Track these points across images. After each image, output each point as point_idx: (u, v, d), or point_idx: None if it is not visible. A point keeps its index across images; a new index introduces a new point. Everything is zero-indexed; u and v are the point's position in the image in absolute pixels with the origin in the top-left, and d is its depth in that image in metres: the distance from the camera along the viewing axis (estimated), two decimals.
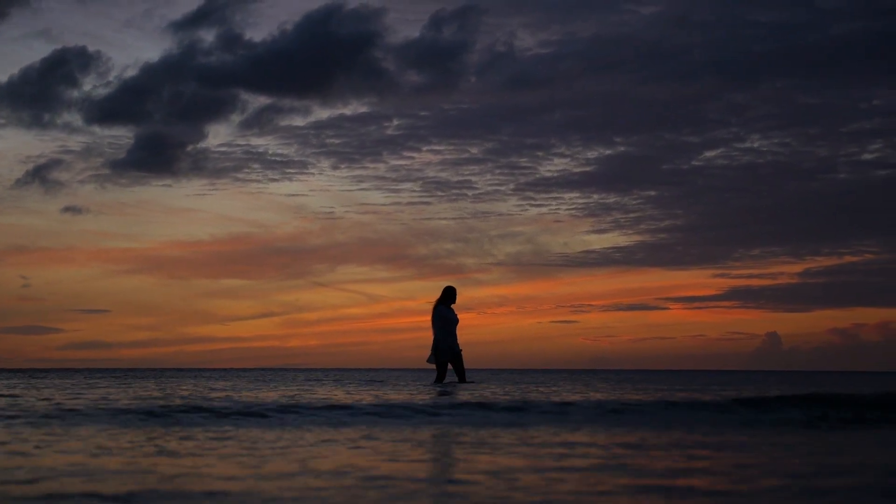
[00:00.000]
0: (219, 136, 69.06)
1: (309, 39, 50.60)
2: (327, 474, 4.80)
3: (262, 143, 63.49)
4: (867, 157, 58.91)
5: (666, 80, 58.95)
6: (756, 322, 68.06)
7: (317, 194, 63.86)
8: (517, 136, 61.64)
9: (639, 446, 6.27)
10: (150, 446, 6.00)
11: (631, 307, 68.01)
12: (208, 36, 60.03)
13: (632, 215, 62.02)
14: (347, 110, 62.04)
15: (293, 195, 64.44)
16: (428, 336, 17.57)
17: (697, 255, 66.19)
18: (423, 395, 12.46)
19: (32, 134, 62.75)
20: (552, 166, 61.16)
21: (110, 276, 69.67)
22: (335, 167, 61.06)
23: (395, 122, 59.99)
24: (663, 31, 57.53)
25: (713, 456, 5.76)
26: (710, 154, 59.56)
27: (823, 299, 66.14)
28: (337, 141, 59.93)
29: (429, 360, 17.47)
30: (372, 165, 61.04)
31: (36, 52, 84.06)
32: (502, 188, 61.52)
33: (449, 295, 17.55)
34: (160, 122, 55.75)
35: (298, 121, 66.03)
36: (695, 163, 60.29)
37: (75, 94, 54.09)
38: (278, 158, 59.77)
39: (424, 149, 60.65)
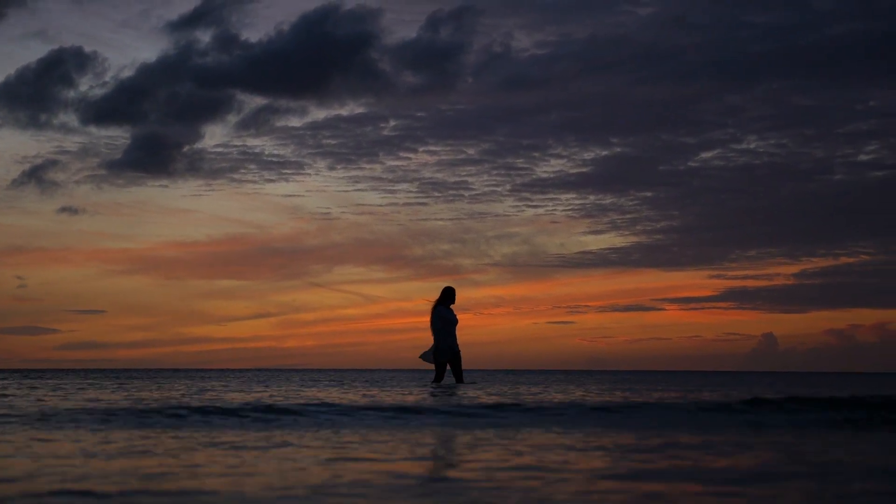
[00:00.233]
0: (215, 136, 69.28)
1: (305, 40, 50.69)
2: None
3: (258, 143, 63.56)
4: (863, 158, 59.07)
5: (662, 81, 59.12)
6: (752, 323, 68.15)
7: (313, 195, 63.96)
8: (513, 137, 61.76)
9: (631, 448, 6.31)
10: (140, 447, 6.04)
11: (627, 308, 68.10)
12: (205, 36, 60.18)
13: (628, 216, 62.17)
14: (344, 111, 62.18)
15: (289, 196, 64.55)
16: (426, 336, 17.59)
17: (694, 256, 66.30)
18: (419, 396, 12.49)
19: (29, 134, 62.83)
20: (548, 167, 61.28)
21: (107, 277, 69.73)
22: (331, 168, 61.20)
23: (392, 123, 60.10)
24: (659, 32, 57.65)
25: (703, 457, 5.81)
26: (706, 155, 59.70)
27: (819, 300, 66.25)
28: (333, 141, 60.03)
29: (421, 357, 17.47)
30: (368, 166, 61.15)
31: (32, 53, 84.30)
32: (499, 189, 61.60)
33: (448, 295, 17.56)
34: (156, 122, 55.84)
35: (295, 121, 66.21)
36: (691, 164, 60.43)
37: (72, 94, 54.19)
38: (274, 159, 59.86)
39: (421, 149, 60.76)
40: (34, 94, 53.31)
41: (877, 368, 75.93)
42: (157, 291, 70.65)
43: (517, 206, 62.35)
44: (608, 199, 62.02)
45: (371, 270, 71.15)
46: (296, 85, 54.93)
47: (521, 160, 61.18)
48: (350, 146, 60.40)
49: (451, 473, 4.95)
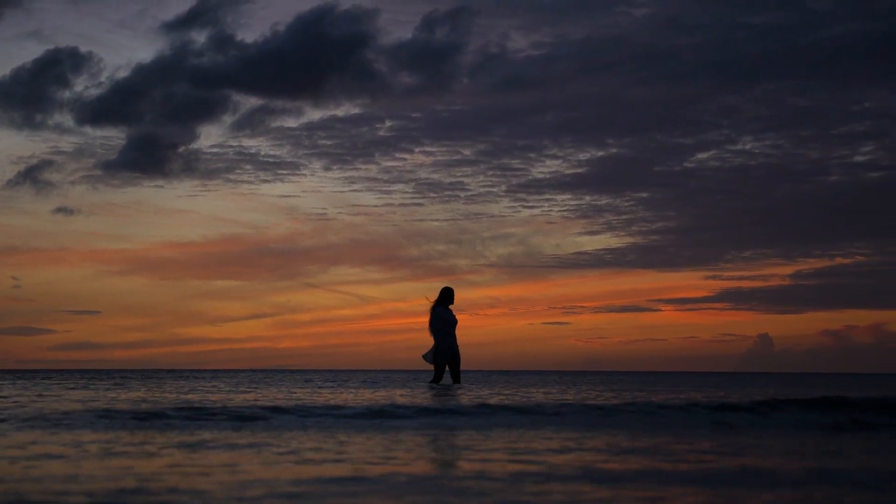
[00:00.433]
0: (211, 137, 69.29)
1: (301, 40, 50.67)
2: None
3: (254, 144, 63.54)
4: (859, 159, 59.12)
5: (658, 82, 59.14)
6: (748, 324, 68.20)
7: (309, 195, 63.98)
8: (509, 138, 61.76)
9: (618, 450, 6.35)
10: (133, 448, 6.07)
11: (623, 309, 68.12)
12: (200, 37, 60.04)
13: (624, 217, 62.21)
14: (339, 111, 62.13)
15: (285, 196, 64.55)
16: (421, 337, 17.57)
17: (689, 256, 66.34)
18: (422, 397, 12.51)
19: (24, 135, 62.75)
20: (544, 168, 61.31)
21: (102, 277, 69.71)
22: (327, 168, 61.19)
23: (388, 124, 60.11)
24: (655, 32, 57.67)
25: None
26: (702, 156, 59.73)
27: (815, 301, 66.32)
28: (329, 142, 60.05)
29: (424, 357, 17.45)
30: (364, 167, 61.16)
31: (28, 53, 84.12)
32: (494, 190, 61.61)
33: (447, 296, 17.52)
34: (152, 122, 55.79)
35: (290, 122, 66.23)
36: (687, 165, 60.47)
37: (67, 94, 54.12)
38: (270, 159, 59.86)
39: (417, 150, 60.76)
40: (29, 94, 53.31)
41: (872, 369, 76.20)
42: (152, 292, 70.68)
43: (513, 206, 62.42)
44: (604, 200, 62.10)
45: (367, 271, 71.24)
46: (291, 85, 54.97)
47: (516, 161, 61.26)
48: (346, 147, 60.47)
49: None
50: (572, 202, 62.30)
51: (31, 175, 56.26)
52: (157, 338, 71.57)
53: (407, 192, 62.96)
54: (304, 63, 52.41)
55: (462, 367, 17.59)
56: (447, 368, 17.57)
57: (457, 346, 17.44)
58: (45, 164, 57.07)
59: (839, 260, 61.71)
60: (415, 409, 9.22)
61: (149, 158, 56.12)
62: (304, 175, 61.12)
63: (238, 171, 60.43)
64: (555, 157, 61.11)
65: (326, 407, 9.51)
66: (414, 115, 60.69)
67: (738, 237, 65.10)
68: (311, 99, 60.83)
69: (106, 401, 11.13)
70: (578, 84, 59.91)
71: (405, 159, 60.52)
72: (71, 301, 74.86)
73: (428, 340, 17.47)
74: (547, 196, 61.21)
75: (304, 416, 8.71)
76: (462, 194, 60.90)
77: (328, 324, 70.53)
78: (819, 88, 59.29)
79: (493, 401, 10.88)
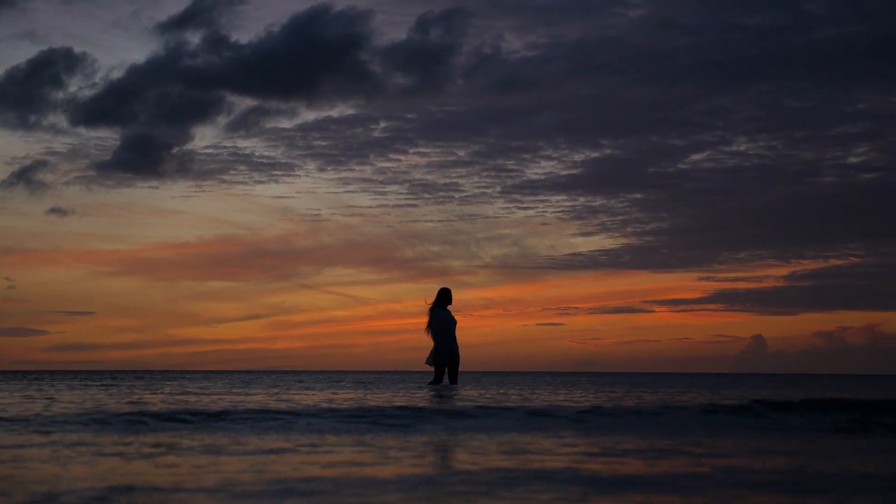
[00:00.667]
0: (205, 137, 69.19)
1: (295, 41, 50.65)
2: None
3: (248, 144, 63.58)
4: (852, 160, 59.18)
5: (652, 83, 59.16)
6: (742, 325, 68.31)
7: (303, 196, 63.97)
8: (504, 139, 61.80)
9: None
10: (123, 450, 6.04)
11: (617, 310, 68.14)
12: (194, 38, 60.00)
13: (618, 218, 62.22)
14: (334, 112, 62.10)
15: (279, 197, 64.52)
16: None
17: (683, 257, 66.37)
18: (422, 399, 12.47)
19: (18, 135, 62.64)
20: (539, 169, 61.33)
21: (96, 278, 69.63)
22: (321, 169, 61.17)
23: (382, 125, 60.10)
24: (650, 34, 57.70)
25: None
26: (696, 157, 59.76)
27: (809, 302, 66.38)
28: (323, 143, 60.02)
29: (427, 362, 17.37)
30: (358, 168, 61.13)
31: (21, 54, 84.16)
32: (489, 191, 61.64)
33: (444, 297, 17.45)
34: (146, 123, 55.75)
35: (285, 123, 66.20)
36: (681, 166, 60.49)
37: (61, 95, 54.07)
38: (265, 160, 59.83)
39: (411, 151, 60.77)
40: (23, 94, 53.26)
41: (866, 370, 76.22)
42: (146, 293, 70.63)
43: (507, 207, 62.42)
44: (598, 201, 62.15)
45: (361, 272, 71.18)
46: (286, 86, 54.92)
47: (511, 162, 61.30)
48: (340, 148, 60.44)
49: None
50: (567, 203, 62.34)
51: (25, 176, 56.25)
52: (151, 339, 71.51)
53: (401, 193, 63.05)
54: (299, 64, 52.44)
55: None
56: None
57: (456, 347, 17.37)
58: (39, 164, 57.07)
59: (833, 261, 61.84)
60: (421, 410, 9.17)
61: (143, 159, 56.11)
62: (299, 176, 61.18)
63: (232, 172, 60.43)
64: (549, 158, 61.19)
65: (318, 409, 9.46)
66: (408, 115, 60.75)
67: (732, 238, 65.21)
68: (306, 100, 60.85)
69: (94, 402, 11.09)
70: (573, 85, 60.04)
71: (399, 160, 60.58)
72: (65, 302, 74.79)
73: (425, 341, 17.42)
74: (541, 197, 61.27)
75: (296, 416, 8.68)
76: (456, 195, 60.97)
77: (322, 325, 70.54)
78: (813, 90, 59.44)
79: (481, 402, 10.84)
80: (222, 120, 58.27)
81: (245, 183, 61.05)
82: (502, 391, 16.19)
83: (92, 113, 53.78)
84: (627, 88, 59.14)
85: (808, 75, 57.71)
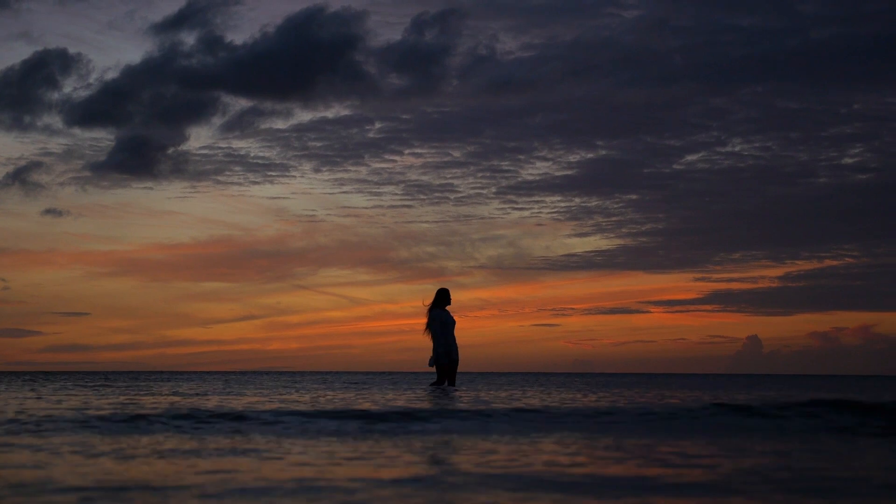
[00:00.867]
0: (200, 138, 69.25)
1: (290, 42, 50.71)
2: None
3: (243, 145, 63.66)
4: (847, 161, 59.38)
5: (647, 84, 59.31)
6: (737, 325, 68.46)
7: (298, 197, 64.09)
8: (499, 140, 61.95)
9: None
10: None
11: (612, 311, 68.31)
12: (189, 38, 60.07)
13: (613, 219, 62.36)
14: (329, 113, 62.23)
15: (275, 198, 64.64)
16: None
17: (678, 258, 66.55)
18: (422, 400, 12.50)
19: (12, 136, 62.62)
20: (534, 170, 61.49)
21: (91, 279, 69.69)
22: (317, 170, 61.29)
23: (377, 125, 60.24)
24: (644, 35, 57.81)
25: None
26: (691, 158, 59.90)
27: (804, 303, 66.62)
28: (318, 144, 60.12)
29: (430, 364, 17.32)
30: (354, 168, 61.26)
31: (16, 54, 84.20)
32: (484, 191, 61.78)
33: (443, 297, 17.39)
34: (141, 124, 55.81)
35: (280, 123, 66.32)
36: (676, 167, 60.65)
37: (56, 96, 54.21)
38: (260, 161, 59.94)
39: (406, 152, 60.89)
40: (18, 95, 53.32)
41: (860, 371, 76.36)
42: (141, 294, 70.70)
43: (502, 208, 62.59)
44: (593, 202, 62.29)
45: (356, 273, 71.28)
46: (281, 87, 55.01)
47: (506, 163, 61.43)
48: (335, 148, 60.54)
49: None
50: (562, 204, 62.50)
51: (20, 177, 56.33)
52: (146, 339, 71.59)
53: (396, 194, 63.12)
54: (294, 65, 52.52)
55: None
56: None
57: (456, 348, 17.33)
58: (34, 165, 57.16)
59: (828, 262, 62.03)
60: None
61: (138, 160, 56.18)
62: (294, 177, 61.33)
63: (227, 173, 60.56)
64: (544, 158, 61.32)
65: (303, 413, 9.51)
66: (403, 116, 60.86)
67: (727, 239, 65.35)
68: (301, 100, 60.91)
69: (81, 402, 11.14)
70: (568, 86, 60.10)
71: (395, 161, 60.69)
72: (60, 303, 74.87)
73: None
74: (536, 198, 61.40)
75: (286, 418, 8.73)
76: (452, 196, 61.08)
77: (318, 325, 70.66)
78: (807, 91, 59.59)
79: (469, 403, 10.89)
80: (217, 121, 58.58)
81: (240, 184, 61.22)
82: (493, 393, 16.24)
83: (87, 114, 53.91)
84: (622, 89, 59.33)
85: (803, 76, 57.96)
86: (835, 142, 58.94)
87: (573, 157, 61.51)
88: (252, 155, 59.81)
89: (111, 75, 56.94)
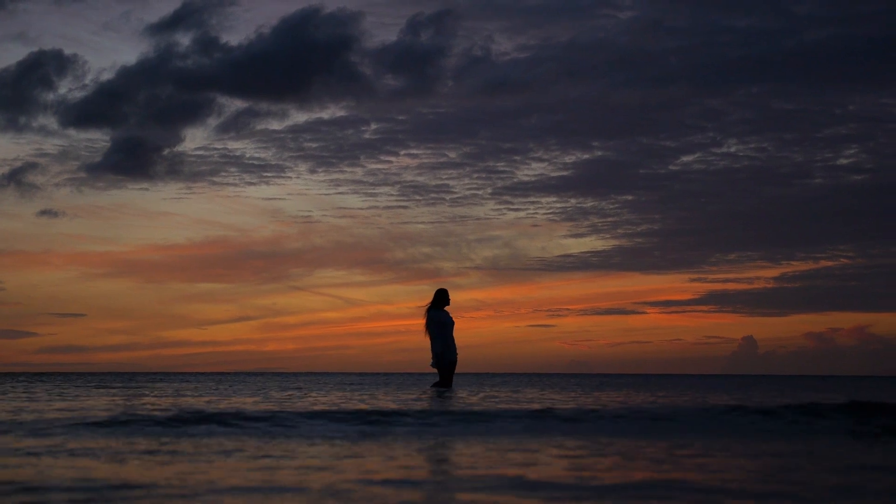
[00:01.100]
0: (195, 139, 69.04)
1: (286, 43, 50.59)
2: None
3: (238, 146, 63.39)
4: (843, 161, 59.36)
5: (642, 85, 59.25)
6: (732, 326, 68.47)
7: (294, 198, 63.97)
8: (494, 141, 61.88)
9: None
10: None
11: (608, 311, 68.23)
12: (185, 39, 59.91)
13: (609, 220, 62.29)
14: (325, 114, 62.03)
15: (270, 199, 64.54)
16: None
17: (674, 259, 66.50)
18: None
19: (8, 137, 62.43)
20: (530, 171, 61.40)
21: (86, 280, 69.53)
22: (312, 171, 61.16)
23: (373, 126, 60.14)
24: (640, 36, 57.75)
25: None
26: (686, 159, 59.83)
27: (799, 303, 66.55)
28: (314, 145, 60.00)
29: (431, 365, 17.22)
30: (349, 169, 61.13)
31: (11, 55, 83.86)
32: (480, 192, 61.70)
33: (441, 298, 17.25)
34: (136, 125, 55.65)
35: (275, 125, 66.22)
36: (672, 167, 60.59)
37: (51, 97, 53.95)
38: (255, 162, 59.82)
39: (402, 153, 60.79)
40: (13, 96, 53.15)
41: (856, 371, 76.33)
42: (137, 295, 70.53)
43: (498, 209, 62.47)
44: (589, 203, 62.20)
45: (352, 274, 71.16)
46: (276, 88, 54.87)
47: (501, 163, 61.33)
48: (331, 149, 60.42)
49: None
50: (557, 205, 62.37)
51: (16, 177, 56.15)
52: (141, 340, 71.42)
53: (392, 195, 62.99)
54: (289, 66, 52.41)
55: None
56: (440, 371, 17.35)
57: (454, 349, 17.19)
58: (30, 166, 56.97)
59: (823, 262, 62.00)
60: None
61: (133, 161, 56.02)
62: (290, 178, 61.22)
63: (223, 174, 60.41)
64: (540, 159, 61.23)
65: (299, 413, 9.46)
66: (399, 117, 60.77)
67: (722, 239, 65.31)
68: (296, 101, 60.74)
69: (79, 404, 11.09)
70: (563, 87, 60.02)
71: (390, 162, 60.61)
72: (55, 304, 74.73)
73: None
74: (532, 199, 61.33)
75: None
76: (447, 197, 60.99)
77: (313, 326, 70.51)
78: (803, 92, 59.55)
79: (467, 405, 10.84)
80: (213, 122, 58.39)
81: (236, 185, 61.10)
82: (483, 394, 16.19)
83: (82, 115, 53.74)
84: (618, 90, 59.26)
85: (798, 77, 57.91)
86: (830, 143, 58.98)
87: (569, 158, 61.51)
88: (247, 156, 59.76)
89: (107, 76, 56.85)
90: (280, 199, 64.22)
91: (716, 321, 67.12)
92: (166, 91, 54.37)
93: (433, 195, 61.45)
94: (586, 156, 61.61)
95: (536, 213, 61.81)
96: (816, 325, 70.24)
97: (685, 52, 57.24)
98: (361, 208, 63.46)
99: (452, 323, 17.19)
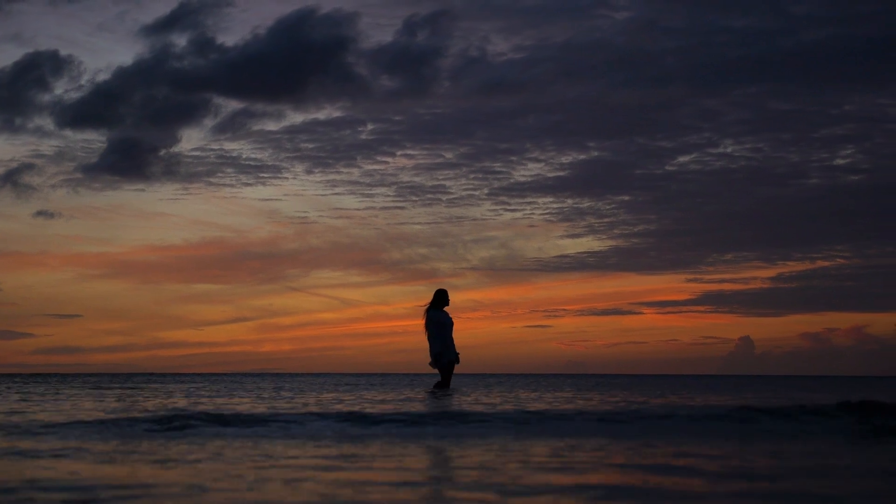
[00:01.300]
0: (192, 140, 68.77)
1: (282, 44, 50.53)
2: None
3: (235, 147, 63.29)
4: (839, 162, 59.32)
5: (639, 86, 59.18)
6: (729, 326, 68.41)
7: (290, 199, 63.83)
8: (491, 141, 61.80)
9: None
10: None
11: (605, 312, 68.14)
12: (181, 40, 59.88)
13: (605, 220, 62.23)
14: (321, 115, 61.90)
15: (267, 200, 64.41)
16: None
17: (670, 259, 66.44)
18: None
19: (3, 138, 62.21)
20: (526, 171, 61.33)
21: (83, 281, 69.38)
22: (309, 172, 61.05)
23: (369, 127, 60.04)
24: (636, 36, 57.68)
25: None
26: (683, 159, 59.77)
27: (795, 304, 66.51)
28: (310, 145, 59.89)
29: (431, 365, 17.16)
30: (346, 170, 61.04)
31: (7, 56, 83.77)
32: (476, 193, 61.62)
33: (441, 298, 17.22)
34: (133, 126, 55.54)
35: (272, 125, 65.99)
36: (668, 168, 60.54)
37: (47, 98, 53.84)
38: (252, 163, 59.71)
39: (398, 153, 60.71)
40: (9, 97, 53.02)
41: (852, 371, 76.30)
42: (133, 296, 70.35)
43: (495, 209, 62.40)
44: (585, 203, 62.14)
45: (348, 274, 71.05)
46: (272, 89, 54.80)
47: (498, 164, 61.24)
48: (327, 150, 60.31)
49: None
50: (554, 205, 62.29)
51: (12, 179, 56.02)
52: (138, 341, 71.27)
53: (389, 196, 62.89)
54: (285, 66, 52.33)
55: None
56: (438, 371, 17.28)
57: (452, 349, 17.10)
58: (26, 167, 56.83)
59: (820, 262, 61.97)
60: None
61: (130, 162, 55.91)
62: (286, 178, 61.11)
63: (219, 175, 60.24)
64: (536, 160, 61.16)
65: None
66: (395, 118, 60.69)
67: (718, 240, 65.25)
68: (293, 102, 60.69)
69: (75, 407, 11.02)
70: (559, 87, 59.98)
71: (387, 162, 60.52)
72: (52, 305, 74.56)
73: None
74: (529, 199, 61.25)
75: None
76: (444, 197, 60.91)
77: (310, 327, 70.40)
78: (799, 92, 59.50)
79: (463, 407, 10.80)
80: (209, 122, 58.32)
81: (232, 185, 60.95)
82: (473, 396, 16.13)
83: (78, 115, 53.65)
84: (614, 90, 59.20)
85: (795, 77, 57.87)
86: (826, 143, 58.93)
87: (565, 159, 61.44)
88: (244, 157, 59.64)
89: (103, 77, 56.68)
90: (276, 199, 64.21)
91: (712, 321, 67.14)
92: (162, 92, 54.32)
93: (430, 196, 61.43)
94: (583, 156, 61.60)
95: (533, 213, 61.77)
96: (813, 325, 70.32)
97: (682, 52, 57.26)
98: (358, 209, 63.40)
99: (452, 323, 17.14)
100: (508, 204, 61.84)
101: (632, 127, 61.49)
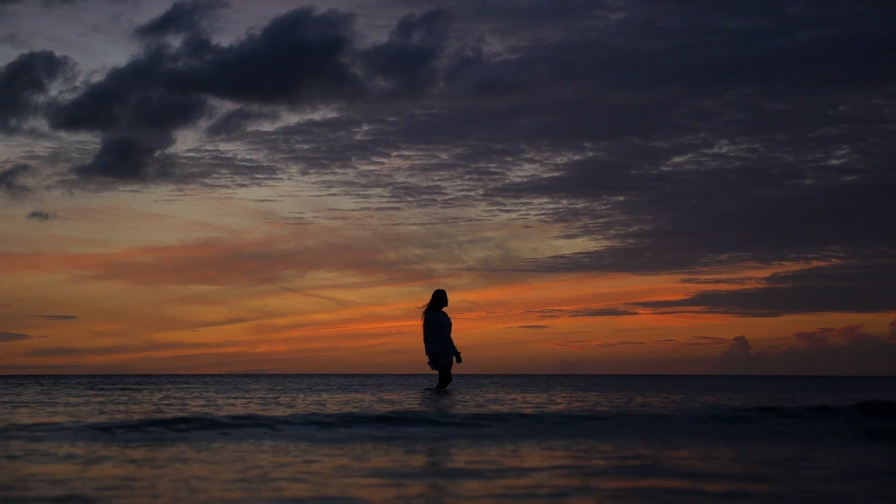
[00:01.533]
0: (187, 141, 68.48)
1: (277, 45, 50.35)
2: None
3: (230, 148, 63.21)
4: (834, 162, 59.31)
5: (634, 86, 59.09)
6: (724, 326, 68.35)
7: (286, 200, 63.71)
8: (486, 142, 61.70)
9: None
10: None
11: (600, 312, 68.02)
12: (176, 41, 59.63)
13: (601, 220, 62.15)
14: (316, 116, 61.75)
15: (262, 201, 64.32)
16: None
17: (666, 260, 66.38)
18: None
19: None
20: (521, 172, 61.23)
21: (78, 282, 69.23)
22: (304, 172, 60.89)
23: (364, 128, 59.91)
24: (631, 37, 57.63)
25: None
26: (678, 160, 59.69)
27: (791, 304, 66.49)
28: (306, 146, 59.77)
29: (430, 366, 17.06)
30: (341, 171, 60.97)
31: (2, 58, 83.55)
32: (471, 193, 61.48)
33: (439, 299, 17.11)
34: (127, 127, 55.34)
35: (267, 126, 65.80)
36: (663, 168, 60.45)
37: (42, 99, 53.61)
38: (247, 164, 59.55)
39: (394, 154, 60.58)
40: (4, 98, 52.78)
41: (847, 371, 76.33)
42: (128, 297, 70.19)
43: (490, 210, 62.30)
44: (581, 204, 62.07)
45: (344, 275, 70.95)
46: (268, 90, 54.59)
47: (493, 165, 61.14)
48: (323, 151, 60.18)
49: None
50: (549, 206, 62.19)
51: (6, 180, 55.80)
52: (133, 343, 71.09)
53: (384, 196, 62.80)
54: (281, 67, 52.16)
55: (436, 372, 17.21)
56: (437, 371, 17.18)
57: (451, 350, 16.94)
58: (20, 168, 56.61)
59: (815, 263, 61.94)
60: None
61: (125, 163, 55.71)
62: (281, 179, 61.02)
63: (214, 176, 60.06)
64: (532, 160, 61.06)
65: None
66: (390, 119, 60.55)
67: (714, 240, 65.17)
68: (288, 103, 60.48)
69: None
70: (555, 88, 59.88)
71: (382, 163, 60.38)
72: (47, 306, 74.48)
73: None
74: (524, 200, 61.15)
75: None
76: (439, 198, 60.80)
77: (305, 328, 70.29)
78: (794, 92, 59.49)
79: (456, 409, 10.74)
80: (204, 123, 58.00)
81: (227, 186, 60.75)
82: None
83: (73, 117, 53.43)
84: (609, 91, 59.12)
85: (790, 78, 57.85)
86: (821, 143, 58.90)
87: (560, 159, 61.36)
88: (239, 157, 59.45)
89: (97, 78, 56.35)
90: (272, 200, 64.09)
91: (707, 322, 67.11)
92: (157, 93, 54.14)
93: (425, 196, 61.32)
94: (578, 157, 61.51)
95: (528, 214, 61.64)
96: (808, 325, 70.23)
97: (677, 52, 57.21)
98: (353, 210, 63.25)
99: (450, 324, 17.03)
100: (504, 204, 61.78)
101: (627, 127, 61.49)
